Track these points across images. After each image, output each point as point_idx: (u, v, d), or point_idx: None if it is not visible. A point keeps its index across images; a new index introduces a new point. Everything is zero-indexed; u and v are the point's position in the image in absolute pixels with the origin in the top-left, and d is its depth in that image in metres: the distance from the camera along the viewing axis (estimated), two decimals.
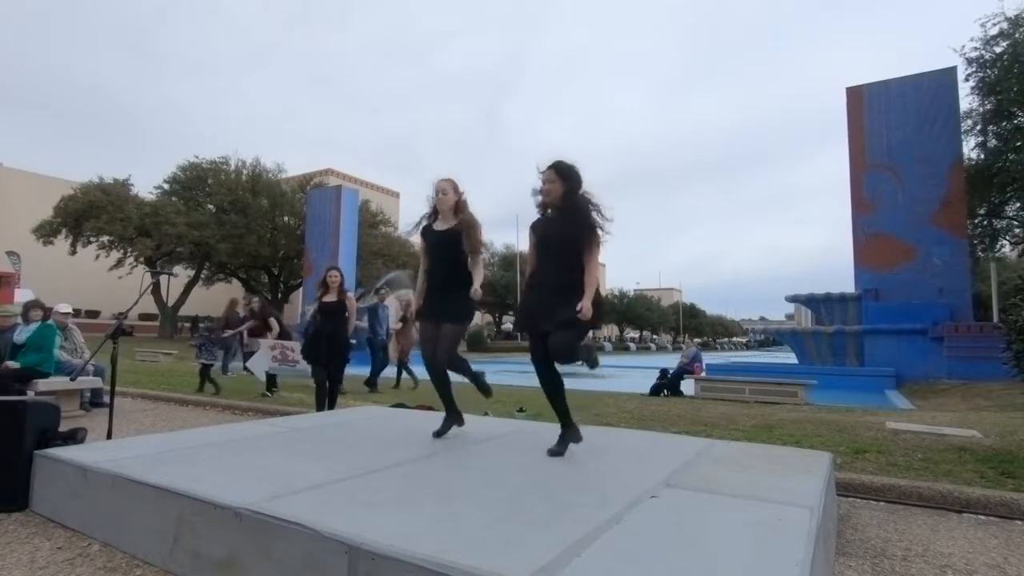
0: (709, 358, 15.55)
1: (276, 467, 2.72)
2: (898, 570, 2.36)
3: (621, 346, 54.01)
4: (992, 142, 16.21)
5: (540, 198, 3.15)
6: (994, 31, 14.82)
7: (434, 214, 3.58)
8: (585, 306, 2.83)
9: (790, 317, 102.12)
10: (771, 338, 50.61)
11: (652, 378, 10.67)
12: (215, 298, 36.70)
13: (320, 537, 1.78)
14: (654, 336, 68.94)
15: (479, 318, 37.92)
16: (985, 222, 17.72)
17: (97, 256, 30.51)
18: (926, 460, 4.02)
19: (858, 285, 15.10)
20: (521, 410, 6.17)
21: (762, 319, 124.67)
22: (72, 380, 5.54)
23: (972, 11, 16.08)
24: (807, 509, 2.13)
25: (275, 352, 7.30)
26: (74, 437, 3.26)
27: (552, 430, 3.34)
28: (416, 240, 3.82)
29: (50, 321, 6.19)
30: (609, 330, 65.78)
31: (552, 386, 3.15)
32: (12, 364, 5.63)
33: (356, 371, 8.93)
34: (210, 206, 32.76)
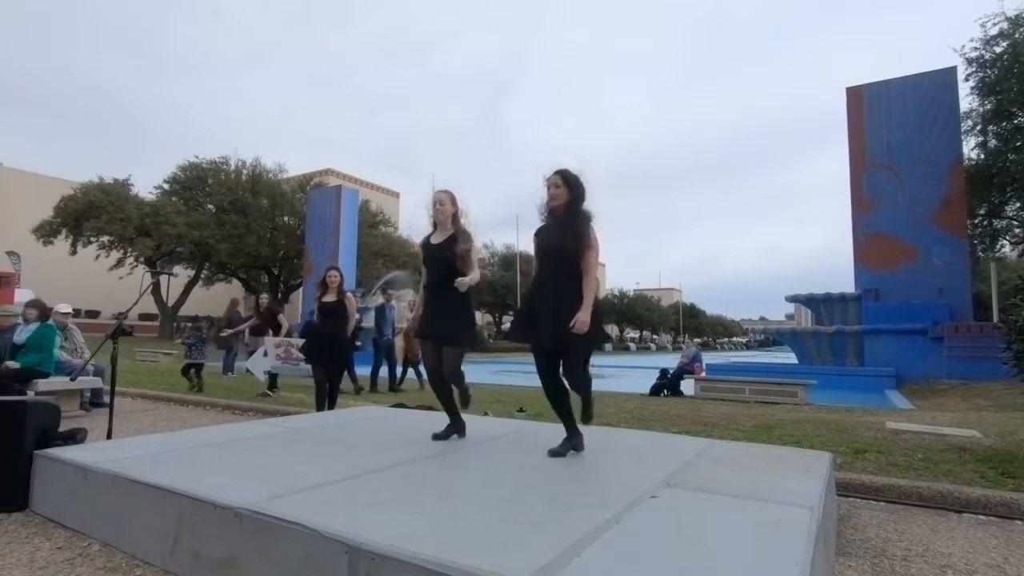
0: (709, 358, 15.54)
1: (276, 467, 2.72)
2: (898, 570, 2.36)
3: (621, 346, 53.97)
4: (992, 142, 16.22)
5: (548, 202, 3.14)
6: (994, 31, 14.86)
7: (433, 226, 3.58)
8: (580, 319, 2.80)
9: (790, 317, 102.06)
10: (771, 338, 50.61)
11: (652, 378, 10.68)
12: (215, 298, 36.77)
13: (320, 537, 1.78)
14: (654, 336, 68.94)
15: (479, 318, 37.86)
16: (985, 222, 17.73)
17: (97, 256, 30.56)
18: (926, 460, 4.02)
19: (858, 285, 15.10)
20: (521, 410, 6.18)
21: (762, 319, 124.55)
22: (72, 380, 5.55)
23: (972, 11, 16.12)
24: (807, 509, 2.13)
25: (280, 350, 7.30)
26: (74, 437, 3.26)
27: (552, 430, 3.34)
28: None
29: (50, 321, 6.19)
30: (609, 330, 65.65)
31: (554, 393, 3.15)
32: (12, 364, 5.62)
33: (364, 371, 8.95)
34: (210, 206, 32.80)
